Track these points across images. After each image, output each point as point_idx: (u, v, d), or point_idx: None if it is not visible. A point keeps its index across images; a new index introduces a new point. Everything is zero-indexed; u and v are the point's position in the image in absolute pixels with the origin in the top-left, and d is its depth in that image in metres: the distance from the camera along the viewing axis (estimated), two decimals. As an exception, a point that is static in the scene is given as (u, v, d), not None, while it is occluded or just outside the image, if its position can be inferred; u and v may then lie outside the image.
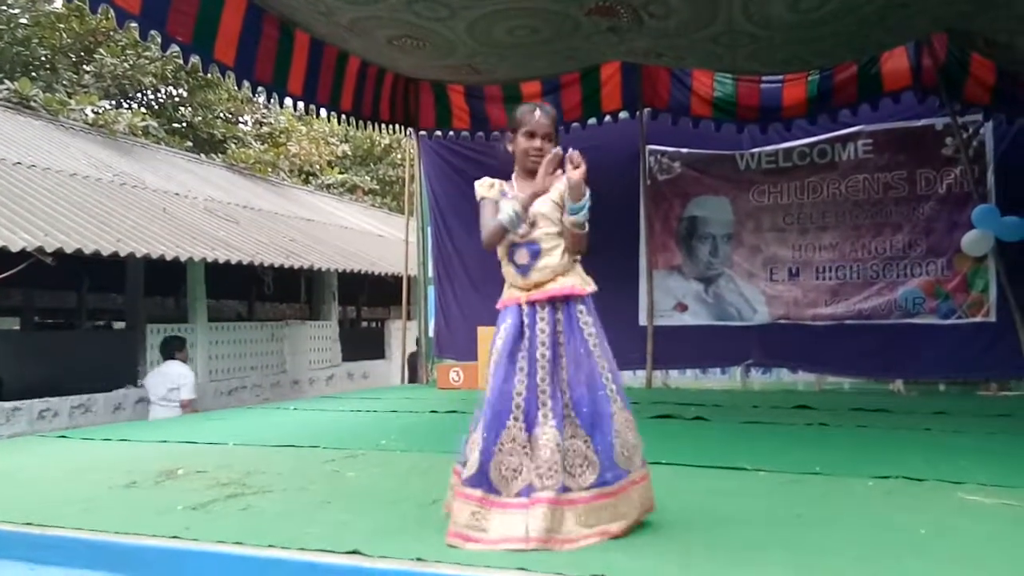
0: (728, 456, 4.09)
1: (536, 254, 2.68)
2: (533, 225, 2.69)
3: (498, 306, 2.79)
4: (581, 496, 2.52)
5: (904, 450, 4.31)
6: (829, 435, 4.95)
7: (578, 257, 2.75)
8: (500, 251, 2.79)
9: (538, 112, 2.77)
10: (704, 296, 8.30)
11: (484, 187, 2.81)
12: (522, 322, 2.64)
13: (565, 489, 2.50)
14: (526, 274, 2.69)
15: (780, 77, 7.58)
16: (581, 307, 2.66)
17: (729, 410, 6.16)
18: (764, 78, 7.62)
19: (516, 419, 2.55)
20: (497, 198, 2.77)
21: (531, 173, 2.77)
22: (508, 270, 2.75)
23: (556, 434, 2.52)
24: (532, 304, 2.65)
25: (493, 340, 2.72)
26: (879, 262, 7.70)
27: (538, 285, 2.67)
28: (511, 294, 2.73)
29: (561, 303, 2.65)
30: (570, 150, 2.71)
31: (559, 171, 2.76)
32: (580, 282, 2.70)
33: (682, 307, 8.35)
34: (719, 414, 5.91)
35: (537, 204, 2.69)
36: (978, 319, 7.35)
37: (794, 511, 2.95)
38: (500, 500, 2.51)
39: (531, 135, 2.75)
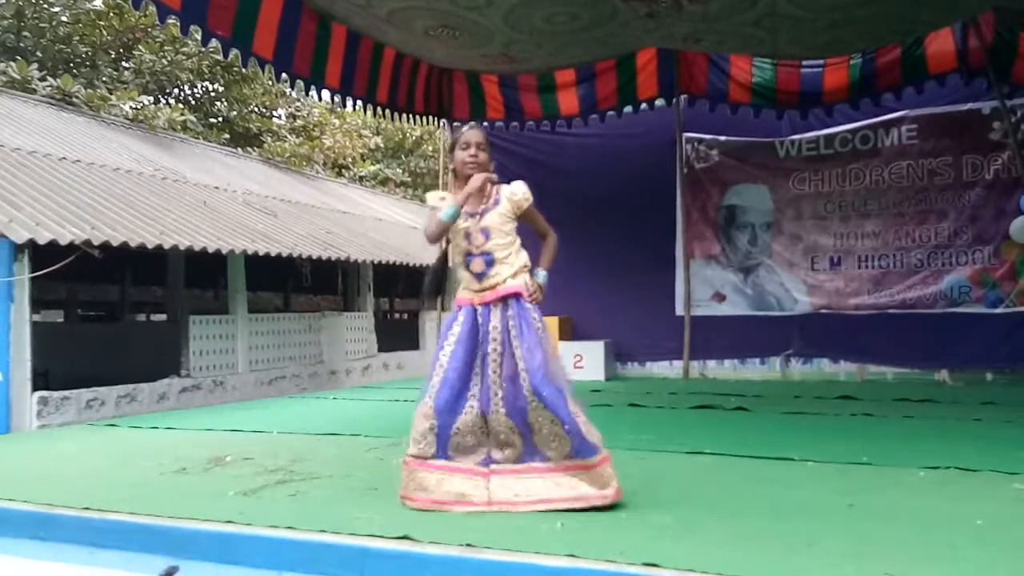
0: (773, 446, 4.05)
1: (490, 263, 3.01)
2: (487, 237, 3.00)
3: (455, 304, 3.12)
4: (562, 465, 2.85)
5: (954, 440, 4.22)
6: (875, 425, 4.87)
7: (528, 265, 3.07)
8: (457, 259, 3.10)
9: (469, 128, 3.16)
10: (743, 286, 8.19)
11: (434, 199, 3.15)
12: (476, 321, 2.97)
13: (542, 459, 2.88)
14: (481, 280, 3.02)
15: (821, 61, 7.42)
16: (528, 304, 2.97)
17: (770, 400, 6.09)
18: (804, 62, 7.47)
19: (472, 407, 2.93)
20: (437, 205, 3.09)
21: (468, 180, 3.06)
22: (464, 275, 3.07)
23: (507, 420, 2.90)
24: (486, 305, 2.98)
25: (443, 331, 3.06)
26: (924, 250, 7.53)
27: (491, 288, 2.99)
28: (465, 296, 3.05)
29: (512, 299, 2.96)
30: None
31: (498, 185, 3.08)
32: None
33: (720, 297, 8.26)
34: (760, 404, 5.85)
35: (488, 218, 3.02)
36: (1026, 308, 7.16)
37: (845, 500, 2.92)
38: (461, 467, 2.90)
39: (467, 145, 3.10)
